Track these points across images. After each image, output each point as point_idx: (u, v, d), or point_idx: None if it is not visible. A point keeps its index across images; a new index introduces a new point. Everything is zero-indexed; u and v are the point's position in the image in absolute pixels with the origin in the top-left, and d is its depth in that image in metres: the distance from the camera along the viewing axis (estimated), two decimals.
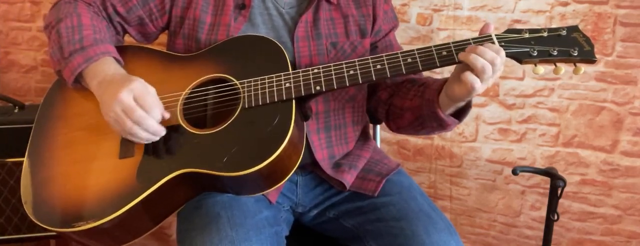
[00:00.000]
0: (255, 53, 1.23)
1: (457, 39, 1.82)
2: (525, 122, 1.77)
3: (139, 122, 1.11)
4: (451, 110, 1.20)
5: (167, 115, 1.16)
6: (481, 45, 1.10)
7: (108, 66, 1.19)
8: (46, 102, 1.30)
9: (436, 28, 1.81)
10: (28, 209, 1.13)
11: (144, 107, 1.11)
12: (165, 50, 1.35)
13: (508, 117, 1.79)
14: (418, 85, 1.31)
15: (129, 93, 1.10)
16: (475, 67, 1.07)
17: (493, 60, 1.07)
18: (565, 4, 1.64)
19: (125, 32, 1.36)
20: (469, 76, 1.08)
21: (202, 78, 1.23)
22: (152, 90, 1.14)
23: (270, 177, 1.14)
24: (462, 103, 1.19)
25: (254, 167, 1.08)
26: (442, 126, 1.23)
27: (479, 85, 1.08)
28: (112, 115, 1.12)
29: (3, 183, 1.80)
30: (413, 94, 1.30)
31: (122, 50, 1.29)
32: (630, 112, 1.65)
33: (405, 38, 1.84)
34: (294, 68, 1.26)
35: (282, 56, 1.22)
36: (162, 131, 1.14)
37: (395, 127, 1.39)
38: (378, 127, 1.60)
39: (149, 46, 1.36)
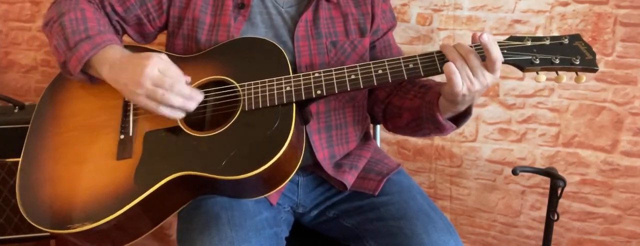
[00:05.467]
0: (255, 55, 1.23)
1: (457, 39, 1.83)
2: (525, 122, 1.77)
3: (172, 87, 1.10)
4: (449, 114, 1.20)
5: (189, 79, 1.16)
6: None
7: (115, 51, 1.19)
8: (42, 102, 1.29)
9: (436, 28, 1.80)
10: (23, 209, 1.13)
11: (171, 76, 1.11)
12: (164, 51, 1.33)
13: (508, 117, 1.79)
14: (419, 86, 1.31)
15: (154, 67, 1.10)
16: (450, 56, 1.09)
17: (467, 54, 1.07)
18: (565, 4, 1.64)
19: (124, 31, 1.36)
20: (449, 66, 1.08)
21: (202, 80, 1.22)
22: (168, 58, 1.15)
23: (269, 181, 1.14)
24: (461, 108, 1.18)
25: (252, 170, 1.07)
26: (439, 129, 1.22)
27: (457, 78, 1.07)
28: (141, 91, 1.11)
29: (3, 183, 1.81)
30: (413, 94, 1.30)
31: None
32: (630, 112, 1.64)
33: (405, 38, 1.84)
34: (294, 68, 1.25)
35: (282, 59, 1.21)
36: (198, 94, 1.14)
37: (392, 127, 1.39)
38: (378, 126, 1.60)
39: (149, 46, 1.35)
